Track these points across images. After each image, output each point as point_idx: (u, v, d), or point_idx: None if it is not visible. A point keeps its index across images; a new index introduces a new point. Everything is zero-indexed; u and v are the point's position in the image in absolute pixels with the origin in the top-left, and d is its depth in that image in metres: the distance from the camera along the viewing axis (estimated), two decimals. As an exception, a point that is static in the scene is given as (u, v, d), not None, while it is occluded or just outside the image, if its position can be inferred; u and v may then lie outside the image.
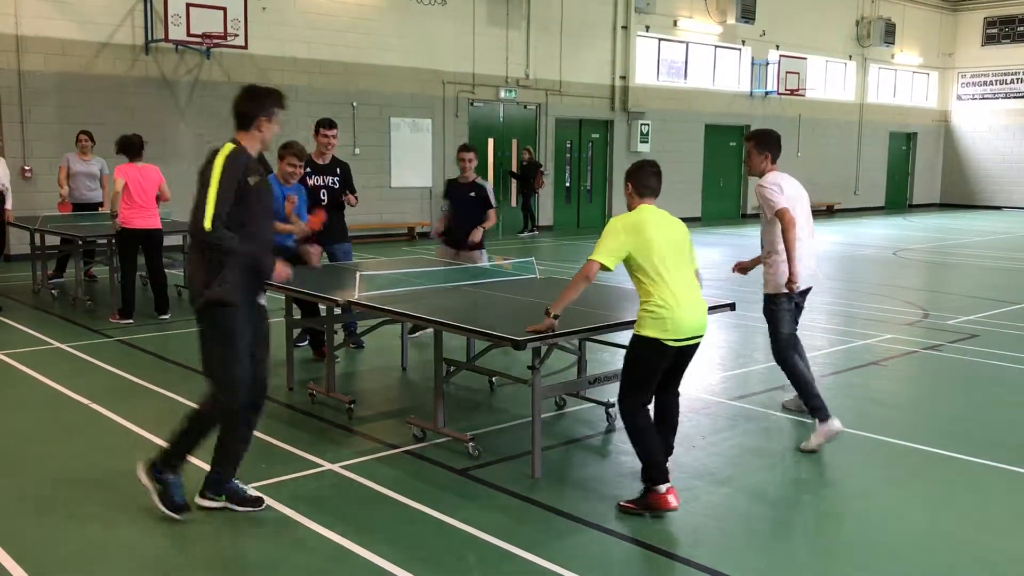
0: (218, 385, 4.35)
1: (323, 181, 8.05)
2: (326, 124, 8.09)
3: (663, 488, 4.50)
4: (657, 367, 4.62)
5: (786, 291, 5.81)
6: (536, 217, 19.85)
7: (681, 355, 4.67)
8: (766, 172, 5.92)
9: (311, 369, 7.44)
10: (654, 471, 4.53)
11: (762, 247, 6.01)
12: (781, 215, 5.67)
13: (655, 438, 4.61)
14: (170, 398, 6.53)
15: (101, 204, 11.66)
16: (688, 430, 5.94)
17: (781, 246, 5.74)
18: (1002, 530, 4.49)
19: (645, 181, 4.74)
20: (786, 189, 5.84)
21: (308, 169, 7.80)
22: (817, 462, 5.41)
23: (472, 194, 8.19)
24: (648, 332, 4.53)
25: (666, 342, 4.52)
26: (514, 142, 19.83)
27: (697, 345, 4.69)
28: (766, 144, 5.94)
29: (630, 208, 4.78)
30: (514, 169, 19.83)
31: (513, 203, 20.02)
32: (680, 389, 4.91)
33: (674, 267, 4.59)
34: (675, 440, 5.01)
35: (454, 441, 5.52)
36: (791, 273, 5.69)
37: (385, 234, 17.91)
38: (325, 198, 8.00)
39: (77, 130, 11.98)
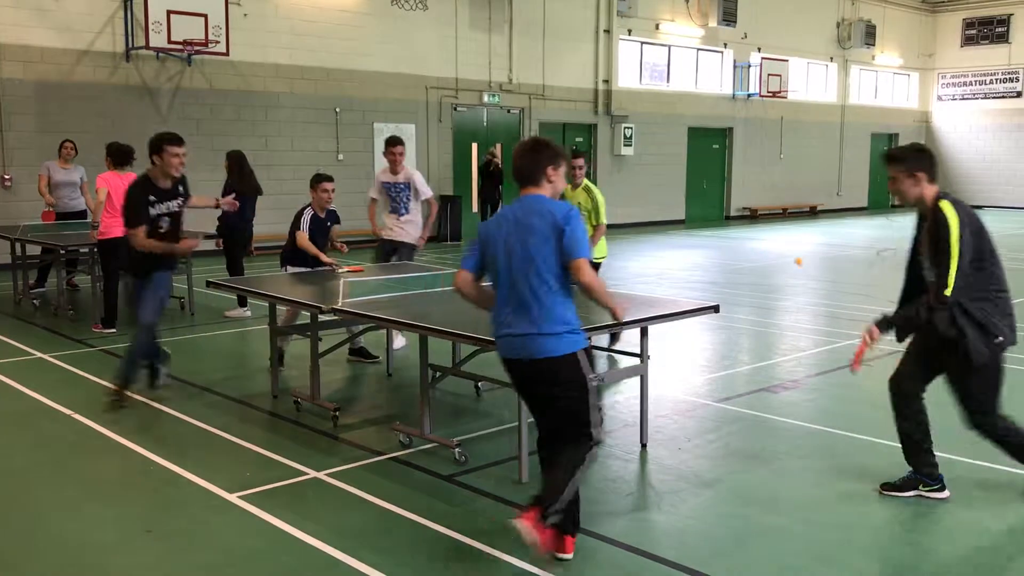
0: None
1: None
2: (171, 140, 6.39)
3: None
4: None
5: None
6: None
7: None
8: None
9: (296, 376, 7.41)
10: None
11: (406, 212, 8.72)
12: (431, 201, 8.82)
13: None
14: (153, 407, 6.48)
15: (85, 212, 11.57)
16: (674, 432, 5.95)
17: (416, 213, 8.75)
18: (991, 532, 4.51)
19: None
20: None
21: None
22: (803, 463, 5.43)
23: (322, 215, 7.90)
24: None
25: None
26: (498, 146, 19.84)
27: None
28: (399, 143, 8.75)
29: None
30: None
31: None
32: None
33: None
34: (661, 443, 4.99)
35: (440, 447, 5.51)
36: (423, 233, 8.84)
37: (369, 240, 17.80)
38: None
39: (57, 138, 11.91)
